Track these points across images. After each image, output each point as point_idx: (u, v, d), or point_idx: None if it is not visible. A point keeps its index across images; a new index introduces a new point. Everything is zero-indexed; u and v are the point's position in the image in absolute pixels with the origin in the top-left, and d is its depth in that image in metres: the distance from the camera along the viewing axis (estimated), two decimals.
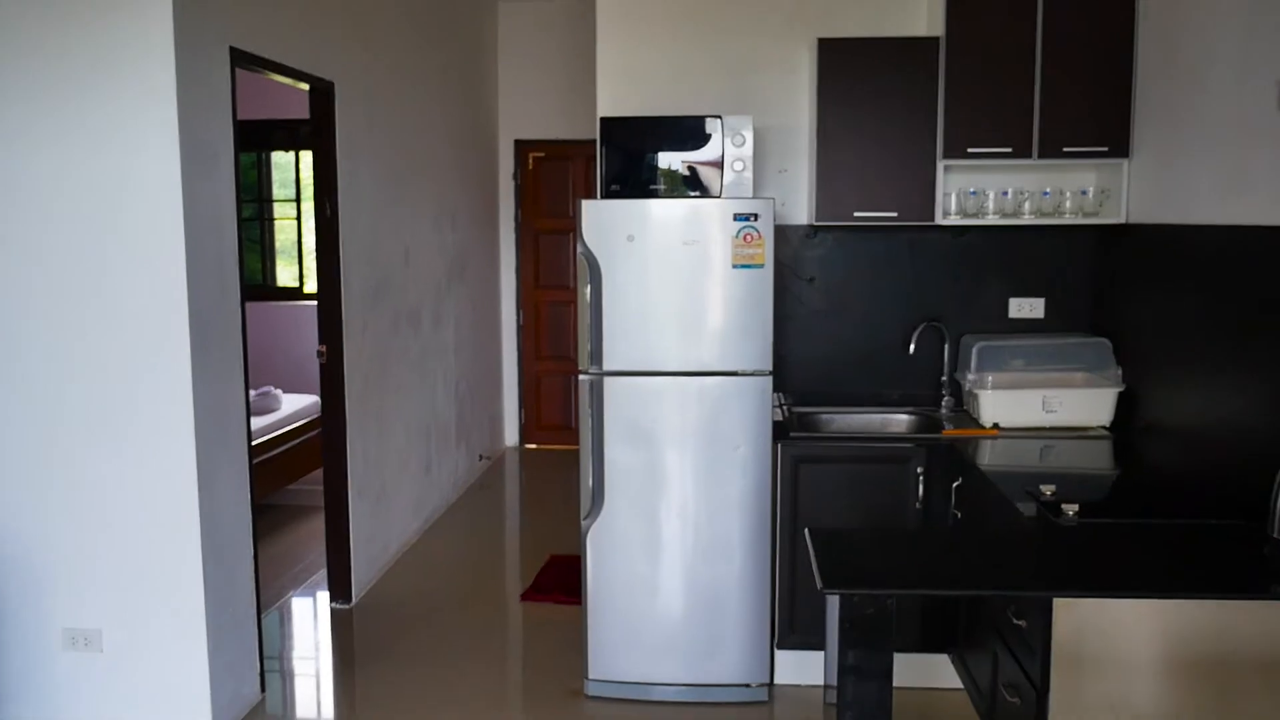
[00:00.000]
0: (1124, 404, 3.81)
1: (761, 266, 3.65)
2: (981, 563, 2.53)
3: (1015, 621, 2.68)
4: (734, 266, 3.65)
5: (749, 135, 3.80)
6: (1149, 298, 3.70)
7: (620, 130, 3.89)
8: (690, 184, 3.85)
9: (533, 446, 8.04)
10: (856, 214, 3.92)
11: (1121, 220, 3.86)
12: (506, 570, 5.48)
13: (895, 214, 3.91)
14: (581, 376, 3.75)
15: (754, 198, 3.69)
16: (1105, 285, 4.08)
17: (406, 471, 5.58)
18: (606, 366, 3.72)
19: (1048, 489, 2.93)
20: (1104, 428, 3.82)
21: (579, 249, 3.69)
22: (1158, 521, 2.72)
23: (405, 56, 5.60)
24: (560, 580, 5.01)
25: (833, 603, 2.32)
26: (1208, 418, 3.22)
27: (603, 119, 3.90)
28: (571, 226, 7.66)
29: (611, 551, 3.80)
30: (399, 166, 5.47)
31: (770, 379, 3.71)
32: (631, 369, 3.72)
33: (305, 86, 4.37)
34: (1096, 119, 3.78)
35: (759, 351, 3.69)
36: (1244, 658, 2.56)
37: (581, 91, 7.30)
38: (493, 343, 7.67)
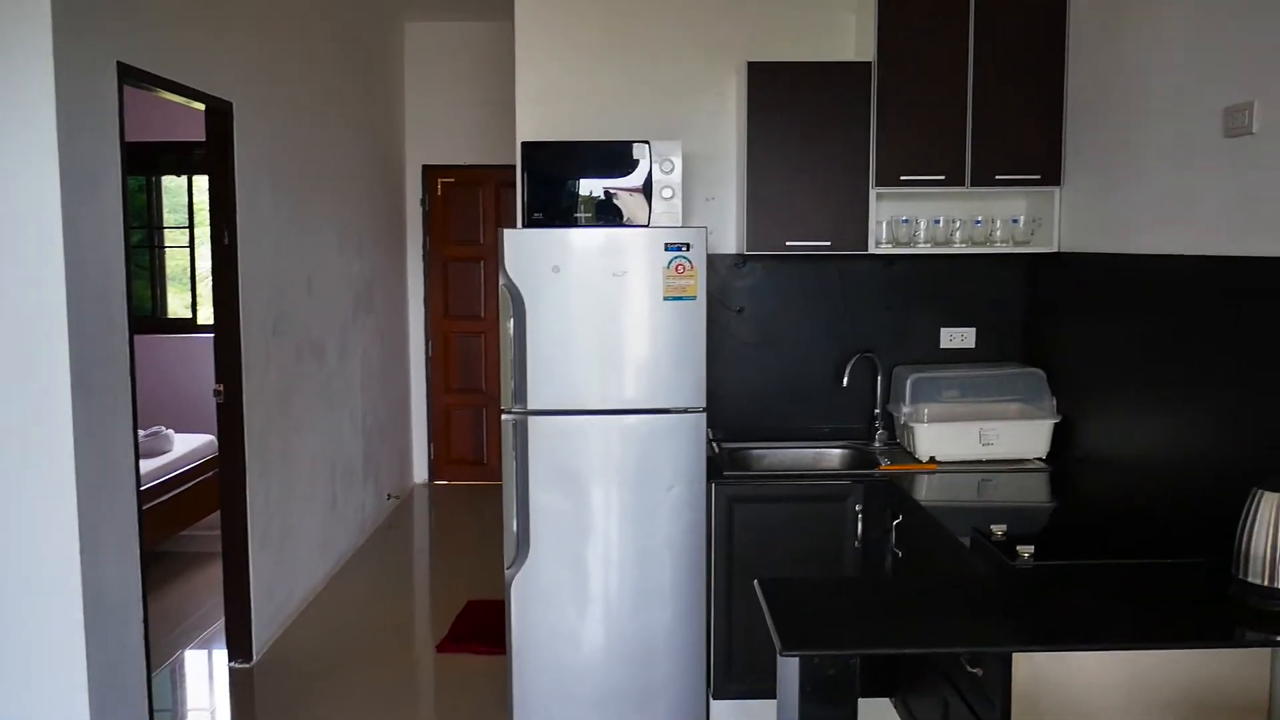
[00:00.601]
0: (1059, 435, 3.74)
1: (694, 299, 3.49)
2: (942, 613, 2.38)
3: (970, 669, 2.55)
4: (665, 299, 3.48)
5: (678, 161, 3.65)
6: (1082, 327, 3.64)
7: (542, 155, 3.70)
8: (617, 212, 3.67)
9: (443, 483, 7.74)
10: (788, 243, 3.79)
11: (1053, 249, 3.81)
12: (420, 618, 5.19)
13: (828, 243, 3.79)
14: (504, 416, 3.52)
15: (685, 226, 3.53)
16: (1037, 315, 4.03)
17: (312, 513, 5.26)
18: (531, 405, 3.51)
19: (998, 529, 2.82)
20: (1040, 460, 3.75)
21: (501, 280, 3.48)
22: (1115, 562, 2.62)
23: (309, 77, 5.32)
24: (478, 628, 4.75)
25: (790, 664, 2.15)
26: (1148, 449, 3.15)
27: (524, 144, 3.70)
28: (482, 255, 7.45)
29: (538, 601, 3.57)
30: (302, 192, 5.18)
31: (704, 416, 3.54)
32: (557, 408, 3.51)
33: (201, 106, 4.07)
34: (1028, 147, 3.73)
35: (692, 387, 3.52)
36: (1213, 704, 2.47)
37: (492, 116, 7.11)
38: (401, 375, 7.37)
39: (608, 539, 3.56)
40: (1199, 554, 2.64)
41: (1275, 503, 2.28)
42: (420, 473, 7.73)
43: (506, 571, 3.57)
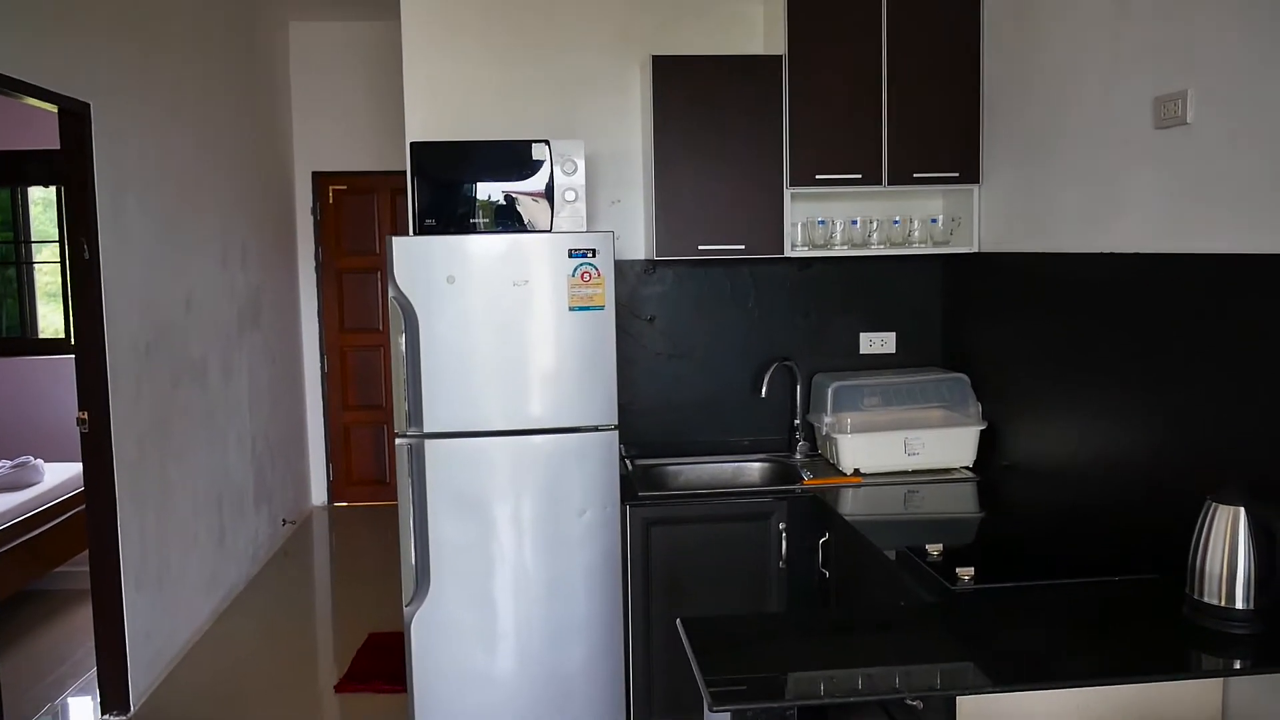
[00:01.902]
0: (984, 442, 3.60)
1: (602, 309, 3.25)
2: (882, 650, 2.18)
3: (909, 701, 2.36)
4: (571, 309, 3.24)
5: (581, 162, 3.40)
6: (1006, 330, 3.50)
7: (434, 157, 3.42)
8: (516, 218, 3.41)
9: (343, 505, 7.35)
10: (701, 248, 3.58)
11: (974, 249, 3.67)
12: (317, 655, 4.83)
13: (742, 246, 3.58)
14: (399, 440, 3.23)
15: (591, 231, 3.29)
16: (958, 318, 3.89)
17: (195, 547, 4.87)
18: (427, 428, 3.23)
19: (934, 549, 2.64)
20: (967, 468, 3.60)
21: (390, 293, 3.19)
22: (1060, 582, 2.45)
23: (182, 78, 4.93)
24: (381, 665, 4.43)
25: (720, 717, 1.92)
26: (1081, 457, 3.01)
27: (413, 144, 3.42)
28: (378, 265, 7.10)
29: (441, 639, 3.29)
30: (177, 201, 4.79)
31: (616, 434, 3.31)
32: (456, 429, 3.24)
33: (52, 108, 3.69)
34: (947, 143, 3.58)
35: (602, 403, 3.28)
36: None
37: (386, 119, 6.77)
38: (294, 393, 6.97)
39: (516, 570, 3.30)
40: (1143, 569, 2.50)
41: (1230, 516, 2.14)
42: (319, 495, 7.33)
43: (405, 609, 3.28)
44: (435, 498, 3.23)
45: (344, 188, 7.14)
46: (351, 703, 4.17)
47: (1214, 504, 2.17)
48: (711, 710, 1.83)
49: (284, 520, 6.50)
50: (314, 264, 7.17)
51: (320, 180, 7.12)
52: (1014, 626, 2.25)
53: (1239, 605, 2.13)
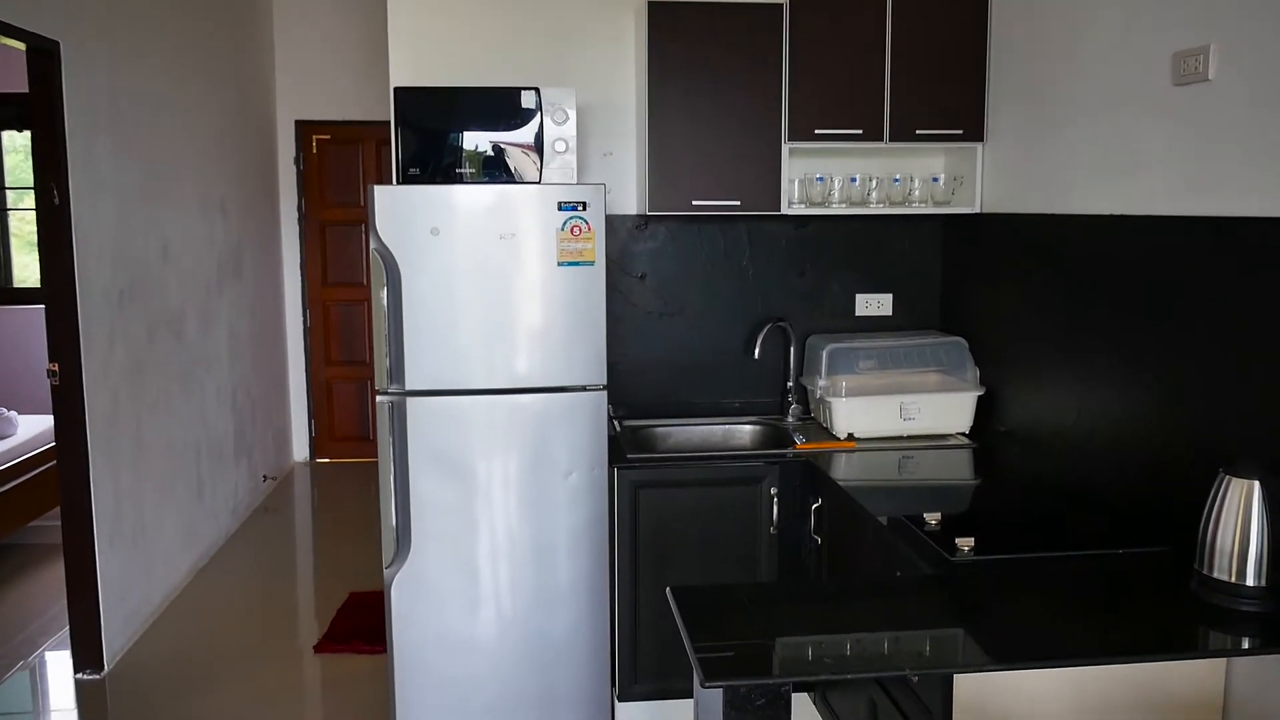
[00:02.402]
0: (981, 408, 3.51)
1: (592, 264, 3.13)
2: (880, 623, 2.10)
3: (909, 677, 2.29)
4: (560, 264, 3.12)
5: (572, 112, 3.26)
6: (1007, 293, 3.40)
7: (419, 103, 3.28)
8: (504, 168, 3.28)
9: (325, 461, 7.26)
10: (695, 203, 3.46)
11: (975, 210, 3.56)
12: (297, 614, 4.75)
13: (738, 203, 3.46)
14: (379, 398, 3.12)
15: (582, 184, 3.16)
16: (957, 280, 3.79)
17: (173, 502, 4.77)
18: (409, 385, 3.11)
19: (932, 518, 2.56)
20: (964, 435, 3.52)
21: (372, 244, 3.07)
22: (1063, 554, 2.37)
23: (159, 19, 4.75)
24: (362, 624, 4.35)
25: (712, 694, 1.84)
26: (1083, 425, 2.93)
27: (398, 90, 3.27)
28: (363, 217, 6.94)
29: (422, 602, 3.20)
30: (153, 147, 4.63)
31: (604, 394, 3.20)
32: (440, 387, 3.13)
33: (20, 46, 3.53)
34: (951, 100, 3.46)
35: (591, 363, 3.17)
36: (1167, 705, 2.26)
37: (372, 67, 6.59)
38: (276, 348, 6.84)
39: (500, 532, 3.20)
40: (1146, 542, 2.42)
41: (1244, 490, 2.05)
42: (300, 451, 7.23)
43: (386, 571, 3.19)
44: (417, 457, 3.13)
45: (328, 137, 6.97)
46: (331, 663, 4.09)
47: (1227, 476, 2.08)
48: (704, 686, 1.75)
49: (265, 476, 6.40)
50: (296, 215, 7.01)
51: (304, 129, 6.95)
52: (1015, 601, 2.17)
53: (1249, 582, 2.06)
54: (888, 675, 1.89)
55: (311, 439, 7.23)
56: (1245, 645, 2.02)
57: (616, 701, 3.38)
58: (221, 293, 5.59)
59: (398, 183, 3.22)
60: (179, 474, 4.86)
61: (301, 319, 7.09)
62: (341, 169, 7.00)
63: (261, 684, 3.91)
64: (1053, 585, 2.22)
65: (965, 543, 2.38)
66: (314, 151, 6.97)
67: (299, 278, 7.05)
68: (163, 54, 4.80)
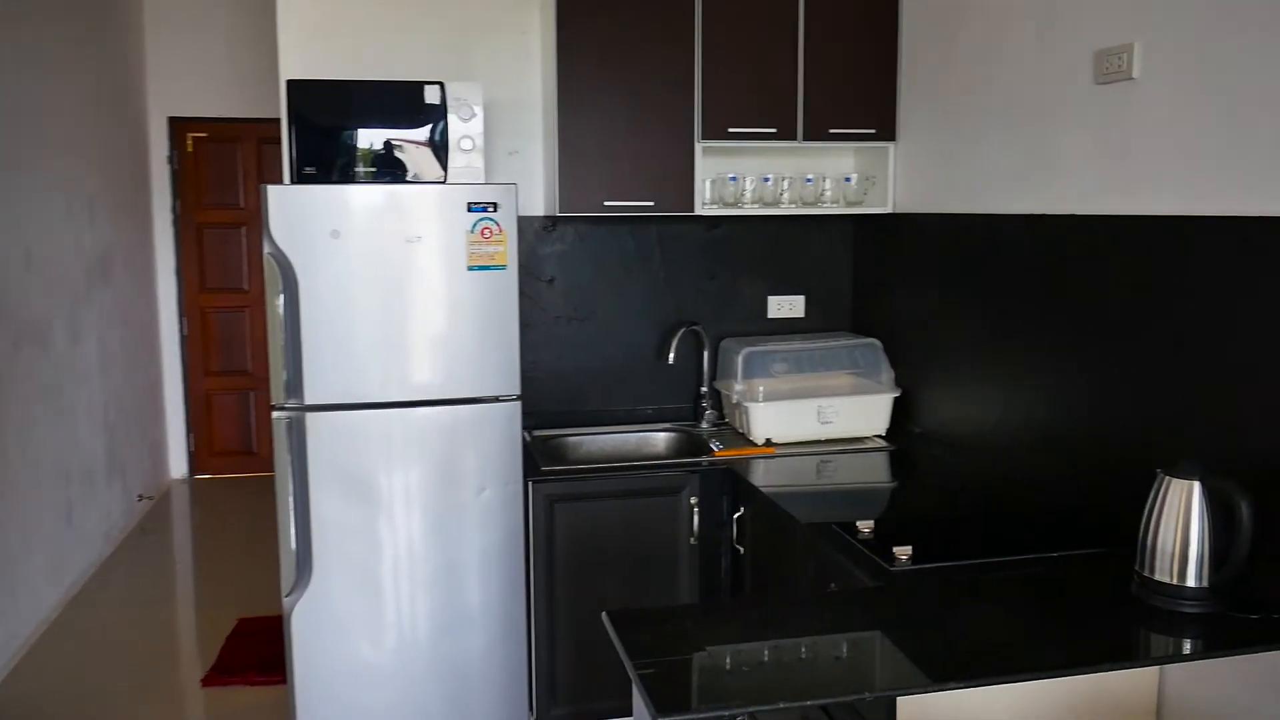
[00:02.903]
0: (895, 409, 3.48)
1: (503, 268, 2.99)
2: (830, 643, 2.00)
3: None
4: (470, 268, 2.96)
5: (479, 108, 3.11)
6: (920, 294, 3.38)
7: (314, 97, 3.07)
8: (406, 167, 3.10)
9: (206, 477, 6.88)
10: (607, 204, 3.33)
11: (888, 210, 3.53)
12: (183, 643, 4.45)
13: (651, 203, 3.35)
14: (276, 414, 2.91)
15: (491, 183, 3.00)
16: (868, 281, 3.76)
17: (38, 529, 4.41)
18: (309, 399, 2.91)
19: (864, 526, 2.49)
20: (880, 437, 3.48)
21: (266, 248, 2.85)
22: (1002, 560, 2.33)
23: (12, 10, 4.39)
24: (254, 653, 4.09)
25: None
26: (1004, 424, 2.91)
27: (291, 83, 3.06)
28: (243, 220, 6.63)
29: (325, 631, 2.99)
30: (10, 144, 4.28)
31: (518, 405, 3.05)
32: (342, 401, 2.94)
33: None
34: (862, 99, 3.42)
35: (504, 372, 3.02)
36: (1102, 708, 2.23)
37: (253, 60, 6.28)
38: (151, 358, 6.45)
39: (408, 554, 3.02)
40: (1081, 544, 2.39)
41: (1184, 491, 2.03)
42: (179, 468, 6.84)
43: (285, 599, 2.97)
44: (318, 477, 2.93)
45: (205, 135, 6.61)
46: (222, 698, 3.82)
47: (1167, 478, 2.06)
48: (654, 716, 1.63)
49: (140, 496, 6.02)
50: (171, 218, 6.63)
51: (178, 127, 6.57)
52: (960, 613, 2.10)
53: (1190, 583, 2.03)
54: (850, 700, 1.80)
55: (190, 454, 6.85)
56: (1187, 649, 1.99)
57: None
58: (90, 301, 5.22)
59: (291, 182, 3.01)
60: (46, 499, 4.51)
61: (178, 327, 6.71)
62: (220, 169, 6.64)
63: None
64: (996, 594, 2.16)
65: (903, 551, 2.31)
66: (190, 150, 6.60)
67: (175, 284, 6.67)
68: (17, 47, 4.44)
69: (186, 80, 6.49)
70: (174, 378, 6.73)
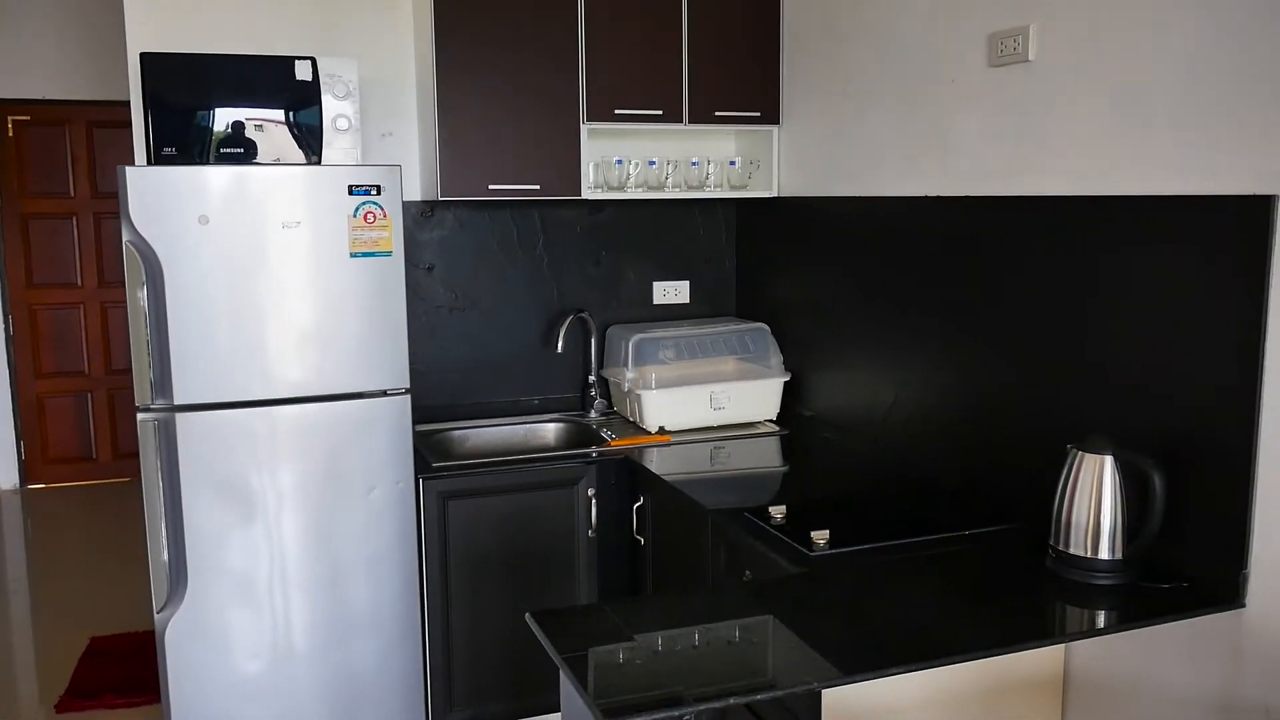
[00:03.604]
0: (785, 394, 3.48)
1: (389, 255, 2.83)
2: (763, 632, 1.96)
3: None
4: (352, 255, 2.79)
5: (354, 84, 2.93)
6: (807, 278, 3.38)
7: (172, 72, 2.83)
8: (276, 148, 2.89)
9: (39, 486, 6.38)
10: (492, 187, 3.20)
11: (772, 194, 3.52)
12: (28, 667, 4.09)
13: (537, 186, 3.24)
14: (141, 415, 2.68)
15: (374, 165, 2.83)
16: (753, 266, 3.74)
17: None
18: (178, 399, 2.69)
19: (777, 511, 2.46)
20: (772, 421, 3.47)
21: (125, 236, 2.62)
22: (916, 540, 2.33)
23: None
24: (112, 674, 3.79)
25: None
26: (898, 405, 2.94)
27: (145, 56, 2.81)
28: (75, 209, 6.17)
29: (203, 646, 2.78)
30: None
31: (408, 399, 2.90)
32: (216, 400, 2.72)
33: None
34: (747, 82, 3.39)
35: (392, 364, 2.87)
36: (1010, 683, 2.27)
37: (85, 36, 5.82)
38: None
39: (293, 561, 2.84)
40: (988, 520, 2.43)
41: (1097, 465, 2.07)
42: (8, 477, 6.31)
43: (158, 615, 2.75)
44: (191, 483, 2.71)
45: (27, 118, 6.09)
46: None
47: (1080, 452, 2.09)
48: None
49: None
50: None
51: None
52: (886, 595, 2.09)
53: (1104, 555, 2.08)
54: (797, 690, 1.76)
55: (21, 463, 6.33)
56: (1102, 622, 2.03)
57: None
58: None
59: (149, 164, 2.77)
60: None
61: (3, 326, 6.18)
62: (47, 154, 6.14)
63: None
64: (917, 575, 2.16)
65: (820, 536, 2.29)
66: (10, 135, 6.08)
67: None
68: None
69: (6, 60, 5.96)
70: (0, 381, 6.21)
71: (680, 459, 3.14)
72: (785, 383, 3.46)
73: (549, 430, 3.55)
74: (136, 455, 2.72)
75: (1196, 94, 1.99)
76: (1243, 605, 1.96)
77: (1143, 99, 2.11)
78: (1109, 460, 2.06)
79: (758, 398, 3.44)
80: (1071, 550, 2.10)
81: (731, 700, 1.63)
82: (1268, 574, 1.92)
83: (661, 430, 3.35)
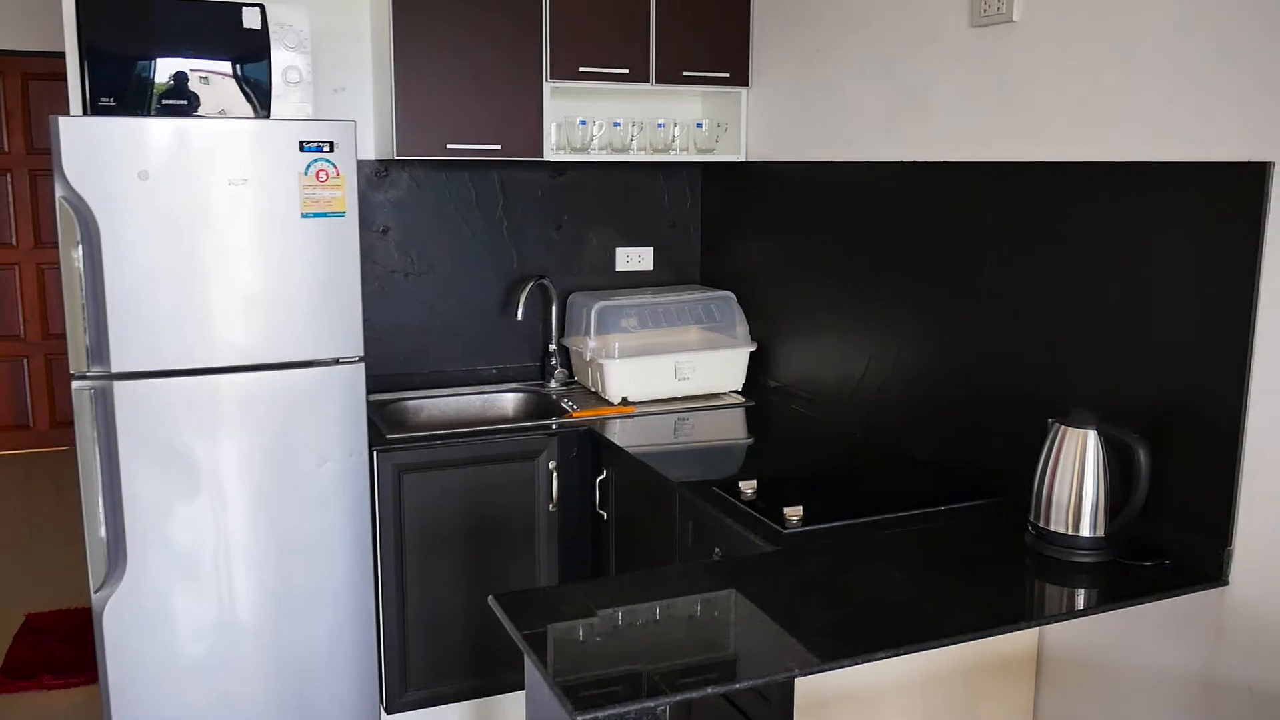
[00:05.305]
0: (751, 364, 3.40)
1: (342, 215, 2.69)
2: (741, 615, 1.87)
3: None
4: (304, 215, 2.65)
5: (306, 35, 2.78)
6: (775, 245, 3.29)
7: (110, 17, 2.66)
8: (222, 100, 2.73)
9: None
10: (450, 146, 3.06)
11: (740, 158, 3.42)
12: None
13: (499, 146, 3.11)
14: (76, 383, 2.53)
15: (326, 120, 2.68)
16: (719, 232, 3.64)
17: None
18: (115, 366, 2.54)
19: (747, 486, 2.38)
20: (736, 392, 3.39)
21: (59, 191, 2.45)
22: (893, 516, 2.26)
23: None
24: (49, 652, 3.64)
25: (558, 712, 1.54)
26: (869, 376, 2.86)
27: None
28: (9, 165, 5.92)
29: (144, 624, 2.65)
30: None
31: (361, 367, 2.77)
32: (157, 368, 2.58)
33: None
34: (717, 41, 3.28)
35: (345, 331, 2.74)
36: (985, 662, 2.22)
37: None
38: None
39: (240, 536, 2.70)
40: (964, 496, 2.36)
41: (1080, 440, 2.01)
42: None
43: (95, 594, 2.61)
44: (131, 454, 2.56)
45: None
46: (15, 704, 3.38)
47: (1062, 427, 2.03)
48: (574, 717, 1.45)
49: None
50: None
51: None
52: (862, 575, 2.01)
53: (1085, 532, 2.02)
54: (776, 679, 1.68)
55: None
56: (1083, 601, 1.97)
57: (385, 714, 2.99)
58: None
59: (85, 115, 2.60)
60: None
61: None
62: None
63: None
64: (894, 553, 2.09)
65: (794, 513, 2.22)
66: None
67: None
68: None
69: None
70: None
71: (644, 431, 3.05)
72: (751, 353, 3.38)
73: (508, 401, 3.44)
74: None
75: (1188, 57, 1.92)
76: (1226, 583, 1.92)
77: (1132, 61, 2.03)
78: (1092, 435, 2.00)
79: (723, 368, 3.36)
80: (1052, 527, 2.05)
81: (709, 690, 1.54)
82: (1252, 551, 1.87)
83: (624, 401, 3.25)
